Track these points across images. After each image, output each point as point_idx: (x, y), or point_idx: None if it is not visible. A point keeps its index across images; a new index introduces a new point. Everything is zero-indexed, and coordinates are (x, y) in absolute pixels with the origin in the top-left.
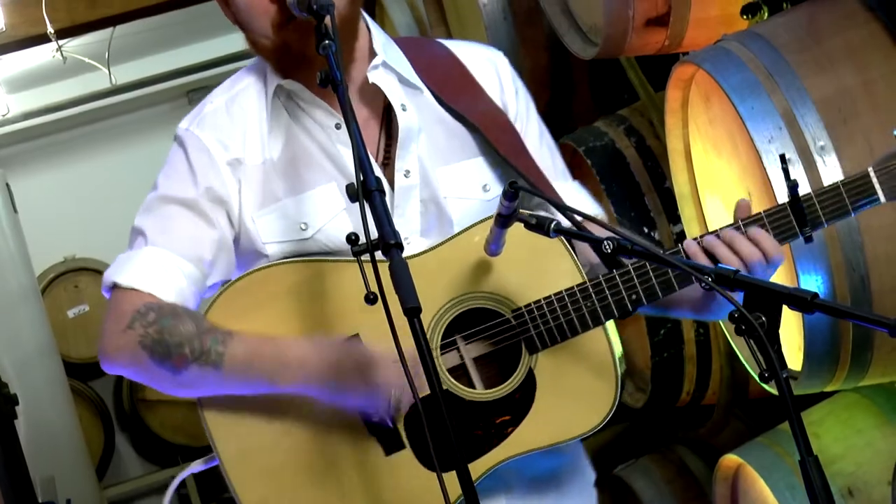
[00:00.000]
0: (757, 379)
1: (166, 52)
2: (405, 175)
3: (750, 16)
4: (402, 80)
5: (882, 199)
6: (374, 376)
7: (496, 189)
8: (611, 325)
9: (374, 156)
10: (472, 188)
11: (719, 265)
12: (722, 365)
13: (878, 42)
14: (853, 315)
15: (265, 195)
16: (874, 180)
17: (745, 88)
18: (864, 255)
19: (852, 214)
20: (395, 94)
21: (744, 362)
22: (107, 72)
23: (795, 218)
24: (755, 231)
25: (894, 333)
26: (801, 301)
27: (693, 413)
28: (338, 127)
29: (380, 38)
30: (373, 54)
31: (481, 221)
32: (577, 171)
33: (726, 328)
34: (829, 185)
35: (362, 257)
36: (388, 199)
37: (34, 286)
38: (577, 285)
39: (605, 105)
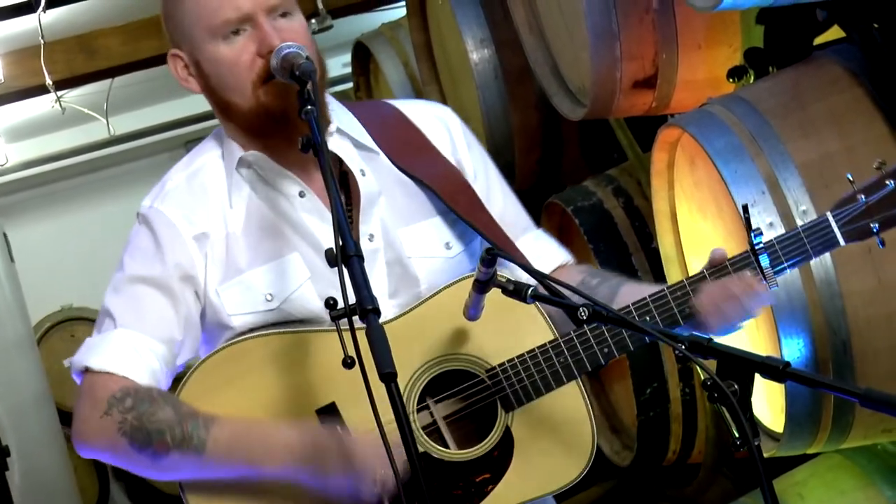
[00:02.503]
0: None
1: (164, 103)
2: (369, 239)
3: (736, 79)
4: (358, 145)
5: (841, 241)
6: (356, 462)
7: (458, 246)
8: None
9: None
10: (435, 246)
11: (693, 332)
12: (708, 424)
13: (861, 108)
14: (824, 384)
15: (228, 267)
16: (833, 223)
17: (729, 152)
18: (845, 319)
19: (813, 258)
20: (353, 160)
21: (724, 421)
22: (105, 122)
23: (758, 262)
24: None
25: (865, 403)
26: (773, 370)
27: (679, 472)
28: (301, 195)
29: (332, 105)
30: (326, 121)
31: (451, 284)
32: (565, 229)
33: None
34: (790, 231)
35: (340, 322)
36: None
37: (30, 335)
38: (550, 342)
39: (595, 164)
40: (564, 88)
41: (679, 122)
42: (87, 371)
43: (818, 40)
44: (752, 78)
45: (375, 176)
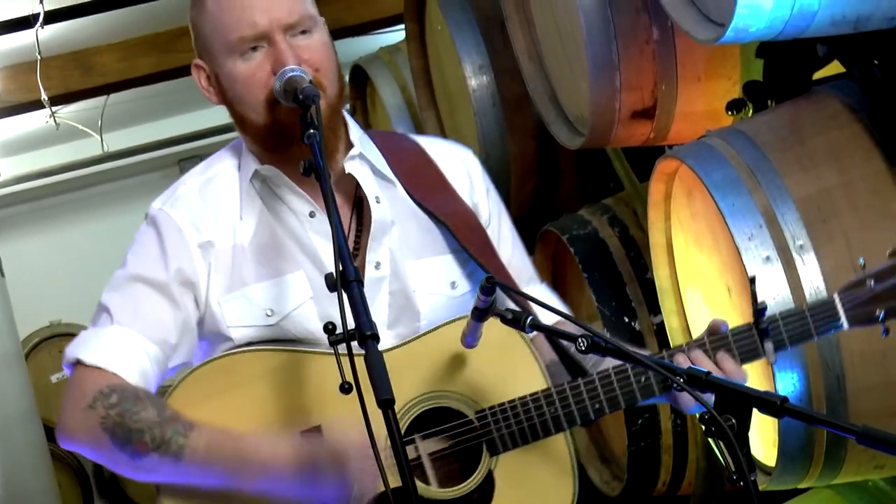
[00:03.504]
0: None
1: (159, 121)
2: (375, 267)
3: (735, 112)
4: (377, 173)
5: (845, 325)
6: (351, 469)
7: (464, 286)
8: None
9: (345, 243)
10: (441, 284)
11: (691, 366)
12: (698, 456)
13: (859, 143)
14: (822, 421)
15: (233, 279)
16: (839, 307)
17: (727, 185)
18: (840, 354)
19: (815, 338)
20: (370, 186)
21: (719, 455)
22: (99, 139)
23: (760, 341)
24: (721, 356)
25: (862, 440)
26: (771, 405)
27: (669, 503)
28: (312, 215)
29: (356, 131)
30: (349, 146)
31: (451, 322)
32: (559, 258)
33: None
34: (795, 309)
35: (339, 348)
36: None
37: (18, 350)
38: (542, 391)
39: (591, 193)
40: (563, 117)
41: (677, 153)
42: (78, 363)
43: (817, 75)
44: (751, 111)
45: (390, 205)
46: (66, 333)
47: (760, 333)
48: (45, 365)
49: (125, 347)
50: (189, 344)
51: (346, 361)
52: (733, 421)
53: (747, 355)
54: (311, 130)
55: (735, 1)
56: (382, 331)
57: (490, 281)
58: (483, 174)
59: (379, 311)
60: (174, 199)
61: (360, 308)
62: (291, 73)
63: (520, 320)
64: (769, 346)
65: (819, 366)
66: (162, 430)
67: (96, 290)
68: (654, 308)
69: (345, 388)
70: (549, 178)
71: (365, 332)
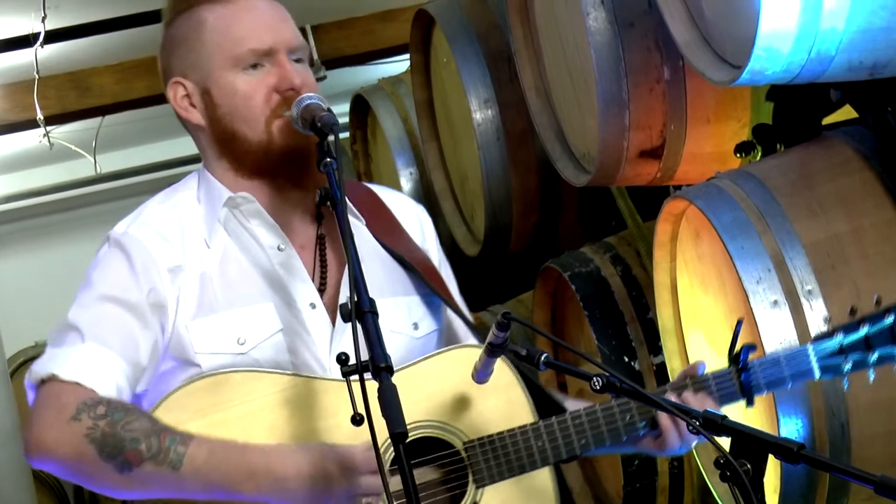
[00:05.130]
0: None
1: (153, 144)
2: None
3: (743, 154)
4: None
5: (817, 375)
6: (359, 482)
7: (425, 328)
8: None
9: (311, 280)
10: (403, 324)
11: (707, 410)
12: (694, 499)
13: (870, 190)
14: (838, 469)
15: (201, 306)
16: (811, 357)
17: (736, 228)
18: (845, 401)
19: (789, 384)
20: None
21: (717, 498)
22: (92, 160)
23: (739, 383)
24: (702, 398)
25: (880, 491)
26: (788, 451)
27: None
28: (280, 249)
29: None
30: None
31: (438, 353)
32: (559, 295)
33: (701, 463)
34: (771, 355)
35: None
36: (327, 326)
37: (3, 369)
38: (530, 424)
39: (592, 231)
40: (568, 153)
41: (686, 194)
42: (52, 379)
43: (826, 120)
44: (760, 154)
45: (359, 244)
46: None
47: (739, 377)
48: None
49: (101, 364)
50: (153, 368)
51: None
52: (748, 466)
53: (726, 398)
54: (328, 159)
55: (752, 43)
56: None
57: (506, 317)
58: (433, 227)
59: (344, 348)
60: (140, 222)
61: (375, 339)
62: (310, 101)
63: (534, 357)
64: (748, 389)
65: (824, 412)
66: (159, 438)
67: None
68: (655, 348)
69: (356, 420)
70: (550, 213)
71: (379, 364)
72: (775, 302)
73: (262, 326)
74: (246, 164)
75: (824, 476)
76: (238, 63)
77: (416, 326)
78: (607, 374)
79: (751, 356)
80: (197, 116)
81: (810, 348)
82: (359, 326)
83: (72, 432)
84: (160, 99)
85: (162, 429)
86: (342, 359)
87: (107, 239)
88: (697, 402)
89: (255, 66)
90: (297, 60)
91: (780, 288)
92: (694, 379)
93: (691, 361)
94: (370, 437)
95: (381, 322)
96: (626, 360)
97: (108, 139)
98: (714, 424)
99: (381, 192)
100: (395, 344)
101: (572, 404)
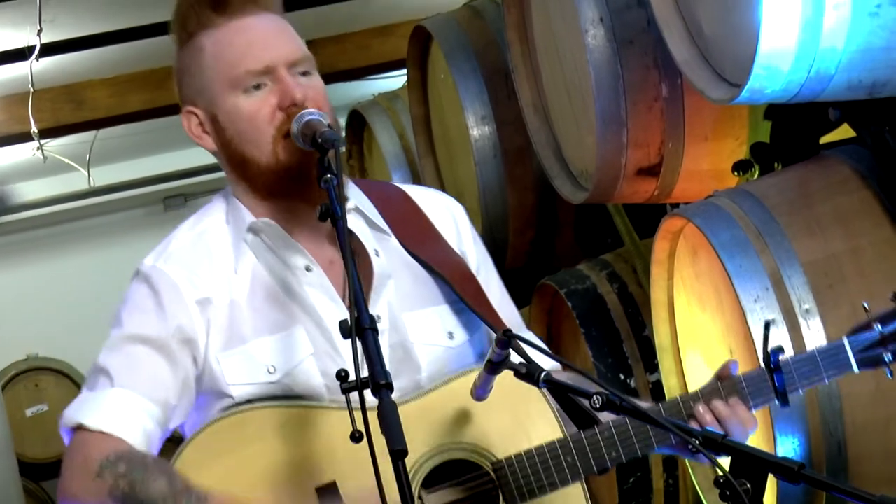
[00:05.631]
0: None
1: (146, 158)
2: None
3: (741, 173)
4: (371, 225)
5: (855, 368)
6: None
7: (460, 336)
8: None
9: (342, 298)
10: (439, 335)
11: (707, 428)
12: None
13: (868, 209)
14: (839, 489)
15: (231, 336)
16: (848, 350)
17: (735, 246)
18: (842, 420)
19: (825, 381)
20: (368, 240)
21: None
22: (86, 173)
23: (773, 383)
24: (734, 402)
25: None
26: (788, 471)
27: None
28: (308, 269)
29: (348, 182)
30: (344, 197)
31: (460, 375)
32: (555, 312)
33: (697, 481)
34: (806, 353)
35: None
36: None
37: None
38: (558, 440)
39: (589, 248)
40: (566, 171)
41: (684, 212)
42: (80, 428)
43: (824, 139)
44: (757, 173)
45: (386, 257)
46: (43, 367)
47: (773, 378)
48: (21, 398)
49: (128, 411)
50: (188, 402)
51: (355, 410)
52: (748, 485)
53: (760, 400)
54: (329, 175)
55: (752, 61)
56: None
57: (506, 334)
58: (469, 223)
59: None
60: (167, 254)
61: (375, 357)
62: (310, 117)
63: (534, 375)
64: (782, 390)
65: (821, 432)
66: (175, 500)
67: (75, 325)
68: (651, 366)
69: (355, 437)
70: (547, 231)
71: (379, 381)
72: (773, 321)
73: (292, 352)
74: (259, 186)
75: (821, 495)
76: (237, 86)
77: (451, 336)
78: (607, 392)
79: (781, 357)
80: (210, 143)
81: (846, 341)
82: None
83: (97, 489)
84: (154, 113)
85: (180, 491)
86: (342, 375)
87: (136, 273)
88: (729, 407)
89: (256, 86)
90: (303, 73)
91: (778, 307)
92: (725, 381)
93: (688, 380)
94: (396, 477)
95: (416, 335)
96: (622, 377)
97: (102, 153)
98: (714, 443)
99: (415, 192)
100: (430, 356)
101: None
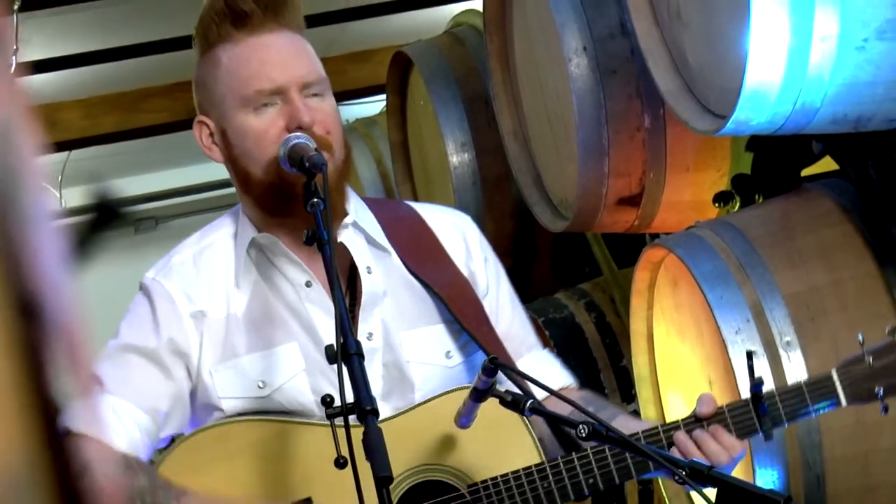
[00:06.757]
0: None
1: (118, 180)
2: (368, 338)
3: (722, 204)
4: (371, 242)
5: (843, 402)
6: None
7: (458, 357)
8: None
9: None
10: (435, 354)
11: (693, 459)
12: None
13: (850, 243)
14: None
15: (225, 350)
16: (837, 383)
17: (716, 277)
18: (821, 454)
19: (813, 415)
20: (362, 256)
21: None
22: (58, 194)
23: (757, 415)
24: (719, 432)
25: None
26: (774, 503)
27: None
28: (308, 285)
29: (352, 198)
30: (343, 213)
31: (445, 394)
32: None
33: None
34: (793, 385)
35: (336, 420)
36: None
37: None
38: (536, 465)
39: (566, 277)
40: (546, 199)
41: (666, 242)
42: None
43: (805, 171)
44: (738, 204)
45: (384, 275)
46: None
47: (758, 409)
48: None
49: (114, 416)
50: (182, 414)
51: (342, 434)
52: None
53: (743, 432)
54: (315, 199)
55: (737, 93)
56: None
57: (493, 362)
58: (481, 241)
59: (372, 383)
60: (167, 268)
61: (361, 382)
62: (296, 141)
63: (519, 403)
64: (767, 421)
65: (800, 465)
66: (154, 494)
67: None
68: (628, 396)
69: (340, 463)
70: (524, 259)
71: (364, 407)
72: (754, 352)
73: (284, 368)
74: (261, 202)
75: None
76: (247, 104)
77: (448, 355)
78: (593, 421)
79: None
80: (218, 155)
81: (835, 374)
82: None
83: None
84: (127, 135)
85: (159, 485)
86: (327, 401)
87: (139, 286)
88: (711, 436)
89: (267, 105)
90: (316, 95)
91: (759, 339)
92: (706, 415)
93: (666, 410)
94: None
95: (411, 354)
96: None
97: (74, 174)
98: (700, 475)
99: (427, 211)
100: (426, 375)
101: (622, 422)
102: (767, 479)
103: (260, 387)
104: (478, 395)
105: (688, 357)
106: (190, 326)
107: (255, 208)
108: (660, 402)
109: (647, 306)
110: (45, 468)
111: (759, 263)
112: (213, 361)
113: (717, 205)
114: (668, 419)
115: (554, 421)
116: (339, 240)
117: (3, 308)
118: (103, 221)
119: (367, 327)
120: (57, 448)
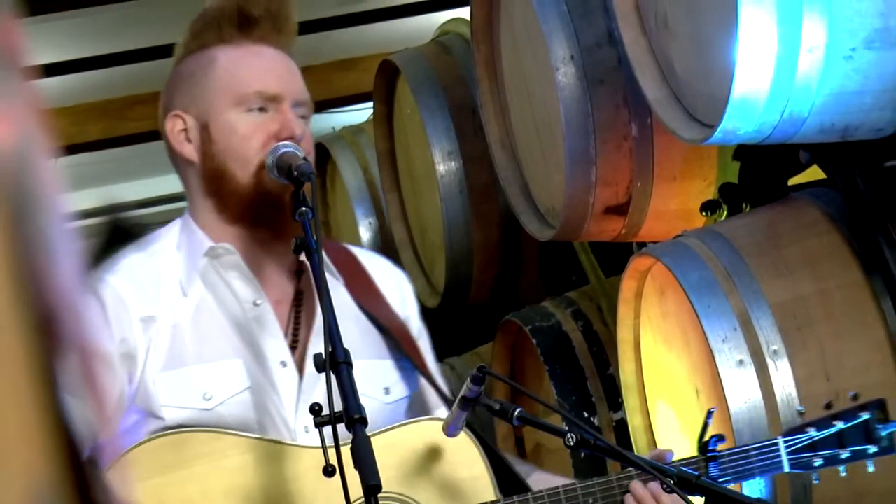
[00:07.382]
0: None
1: (103, 188)
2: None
3: (709, 213)
4: (326, 268)
5: (786, 468)
6: None
7: (396, 393)
8: None
9: (284, 335)
10: (376, 388)
11: (682, 468)
12: None
13: (837, 252)
14: None
15: (171, 358)
16: (782, 450)
17: (703, 286)
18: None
19: (756, 477)
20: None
21: None
22: None
23: (707, 474)
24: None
25: None
26: None
27: None
28: (256, 304)
29: None
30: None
31: (406, 423)
32: (518, 348)
33: None
34: (740, 447)
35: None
36: (295, 385)
37: None
38: (491, 502)
39: (552, 285)
40: (533, 208)
41: (653, 251)
42: None
43: (792, 181)
44: (725, 213)
45: (336, 304)
46: None
47: (707, 466)
48: None
49: None
50: (118, 418)
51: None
52: None
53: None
54: (304, 208)
55: (725, 102)
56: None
57: (482, 370)
58: (414, 296)
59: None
60: (116, 268)
61: (349, 390)
62: (285, 150)
63: (507, 412)
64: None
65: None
66: None
67: None
68: (615, 405)
69: (328, 472)
70: (511, 267)
71: (353, 415)
72: (741, 361)
73: (229, 383)
74: (230, 206)
75: None
76: (242, 103)
77: (387, 391)
78: (581, 430)
79: (719, 447)
80: (190, 150)
81: (781, 441)
82: (333, 377)
83: None
84: (114, 142)
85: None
86: (315, 409)
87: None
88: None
89: (259, 109)
90: (303, 117)
91: (746, 348)
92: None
93: (653, 419)
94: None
95: None
96: (586, 415)
97: (61, 181)
98: (689, 484)
99: (362, 255)
100: (367, 409)
101: (538, 477)
102: (755, 488)
103: (206, 398)
104: (465, 403)
105: (675, 366)
106: (139, 330)
107: (214, 213)
108: (647, 411)
109: (635, 315)
110: (70, 489)
111: (746, 272)
112: (158, 368)
113: (704, 214)
114: (656, 427)
115: (540, 428)
116: (301, 259)
117: (22, 326)
118: (116, 241)
119: (316, 350)
120: (80, 469)
